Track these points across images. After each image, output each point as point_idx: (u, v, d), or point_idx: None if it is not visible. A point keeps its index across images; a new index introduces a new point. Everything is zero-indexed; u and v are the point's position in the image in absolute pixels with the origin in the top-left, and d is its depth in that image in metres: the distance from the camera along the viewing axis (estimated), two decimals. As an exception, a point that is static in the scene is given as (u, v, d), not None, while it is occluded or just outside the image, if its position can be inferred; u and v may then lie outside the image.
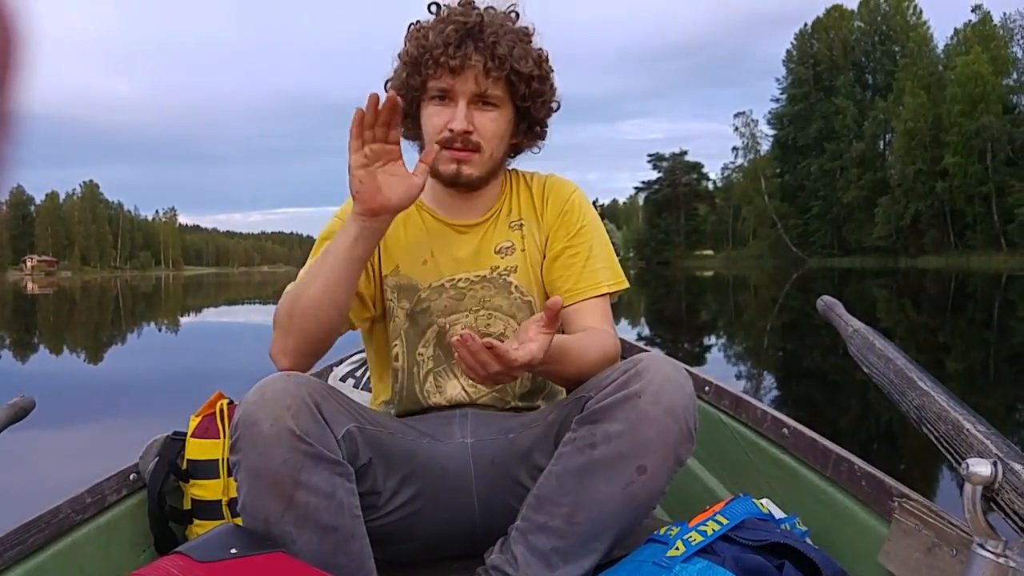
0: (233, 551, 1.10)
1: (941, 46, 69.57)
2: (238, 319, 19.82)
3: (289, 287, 1.51)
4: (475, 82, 1.48)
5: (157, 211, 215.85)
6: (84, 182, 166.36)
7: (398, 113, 1.33)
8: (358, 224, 1.37)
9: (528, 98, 1.54)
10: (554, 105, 1.63)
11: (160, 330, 17.17)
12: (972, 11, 66.29)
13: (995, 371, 8.28)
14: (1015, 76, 64.02)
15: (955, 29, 67.82)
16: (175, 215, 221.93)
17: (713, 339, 12.53)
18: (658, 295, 25.40)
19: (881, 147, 72.83)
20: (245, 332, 15.75)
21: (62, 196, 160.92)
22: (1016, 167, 56.26)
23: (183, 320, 20.06)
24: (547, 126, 1.65)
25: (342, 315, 1.46)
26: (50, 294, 40.83)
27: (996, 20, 65.73)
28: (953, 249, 60.27)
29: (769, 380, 8.07)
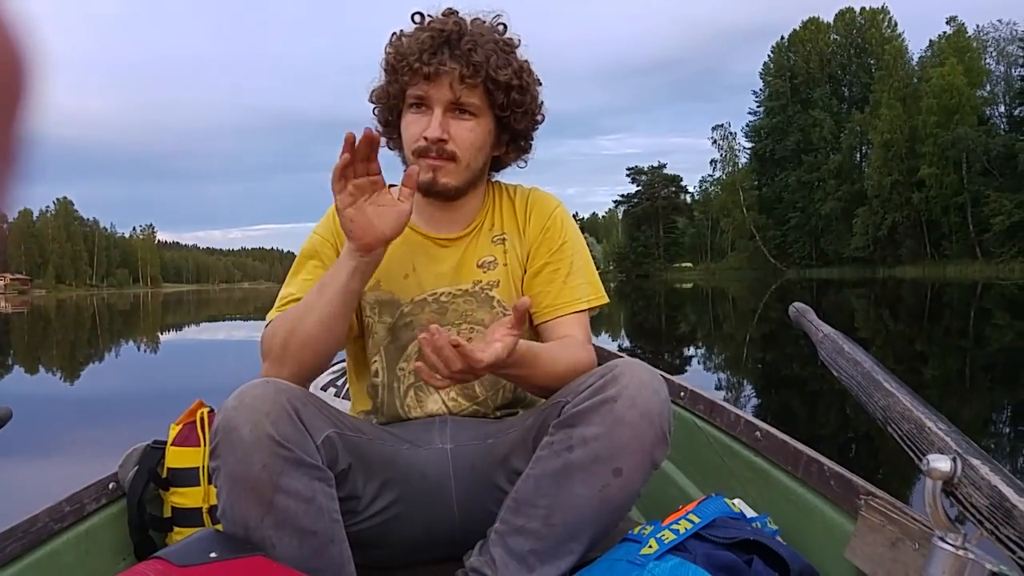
0: (213, 555, 1.11)
1: (916, 58, 70.23)
2: (219, 336, 19.71)
3: (273, 316, 1.51)
4: (450, 89, 1.48)
5: (135, 228, 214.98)
6: (57, 199, 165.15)
7: (376, 145, 1.34)
8: (354, 259, 1.39)
9: (507, 108, 1.53)
10: (538, 117, 1.62)
11: (140, 349, 17.01)
12: (947, 23, 67.10)
13: (971, 379, 8.35)
14: (988, 87, 64.67)
15: (930, 41, 68.55)
16: (153, 232, 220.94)
17: (692, 350, 12.54)
18: (638, 307, 25.43)
19: (858, 159, 73.43)
20: (227, 348, 15.68)
21: (35, 213, 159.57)
22: (991, 177, 56.74)
23: (163, 338, 19.89)
24: (532, 139, 1.65)
25: (339, 344, 1.49)
26: (24, 313, 40.42)
27: (970, 32, 66.35)
28: (930, 259, 60.79)
29: (748, 390, 8.11)
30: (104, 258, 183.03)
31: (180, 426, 1.78)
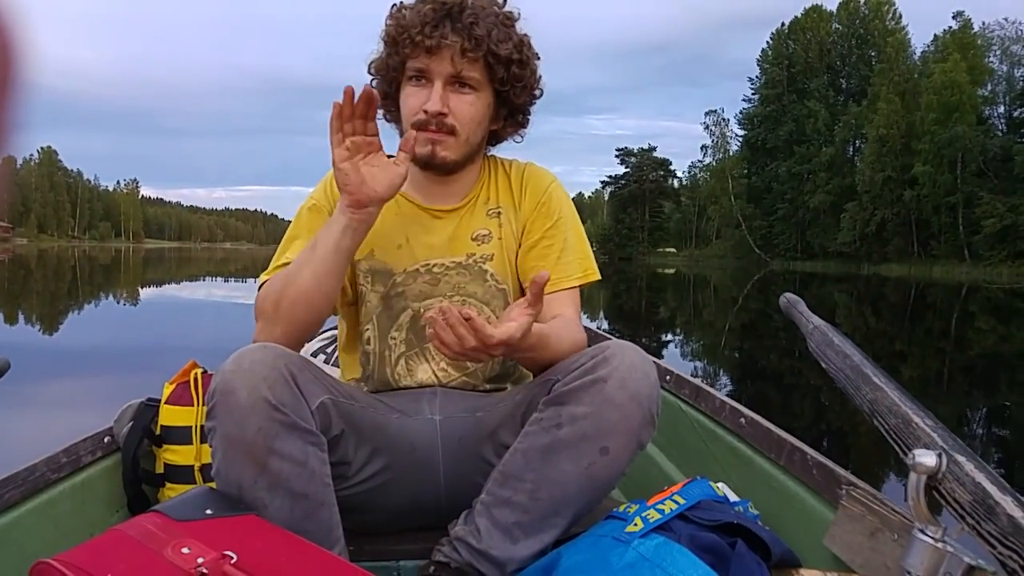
0: (208, 512, 1.13)
1: (918, 53, 68.71)
2: (198, 295, 19.65)
3: (266, 277, 1.52)
4: (451, 63, 1.48)
5: (119, 182, 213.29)
6: (41, 148, 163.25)
7: (374, 105, 1.35)
8: (346, 216, 1.40)
9: (507, 82, 1.54)
10: (536, 92, 1.63)
11: (120, 303, 16.93)
12: (953, 17, 65.05)
13: (949, 380, 8.39)
14: (990, 87, 63.13)
15: (935, 35, 66.77)
16: (137, 187, 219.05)
17: (670, 335, 12.58)
18: (619, 290, 25.44)
19: (850, 152, 72.43)
20: (206, 307, 15.66)
21: (19, 161, 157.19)
22: (986, 178, 55.33)
23: (144, 294, 19.82)
24: (529, 114, 1.65)
25: (331, 303, 1.48)
26: (5, 260, 40.15)
27: (976, 28, 64.47)
28: (917, 258, 59.73)
29: (724, 379, 8.15)
30: (87, 210, 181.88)
31: (174, 385, 1.80)
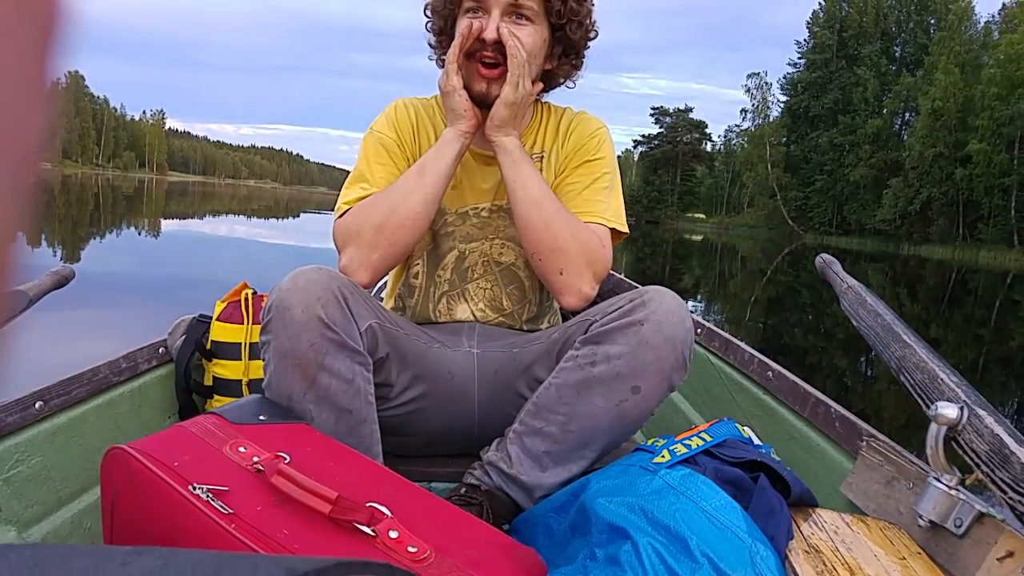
0: (262, 418, 1.20)
1: (981, 23, 63.75)
2: (220, 231, 19.78)
3: (347, 206, 1.55)
4: None
5: (145, 112, 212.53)
6: (68, 72, 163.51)
7: None
8: (460, 142, 1.50)
9: (563, 15, 1.55)
10: (592, 34, 1.64)
11: (141, 233, 17.07)
12: None
13: (984, 371, 8.16)
14: None
15: (1003, 3, 62.56)
16: (164, 118, 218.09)
17: (691, 304, 12.46)
18: (643, 254, 25.25)
19: (898, 126, 68.83)
20: (229, 244, 15.79)
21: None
22: None
23: (187, 227, 19.97)
24: (583, 56, 1.66)
25: (426, 230, 1.56)
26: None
27: None
28: (961, 241, 56.41)
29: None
30: (112, 138, 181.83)
31: (225, 304, 1.88)
